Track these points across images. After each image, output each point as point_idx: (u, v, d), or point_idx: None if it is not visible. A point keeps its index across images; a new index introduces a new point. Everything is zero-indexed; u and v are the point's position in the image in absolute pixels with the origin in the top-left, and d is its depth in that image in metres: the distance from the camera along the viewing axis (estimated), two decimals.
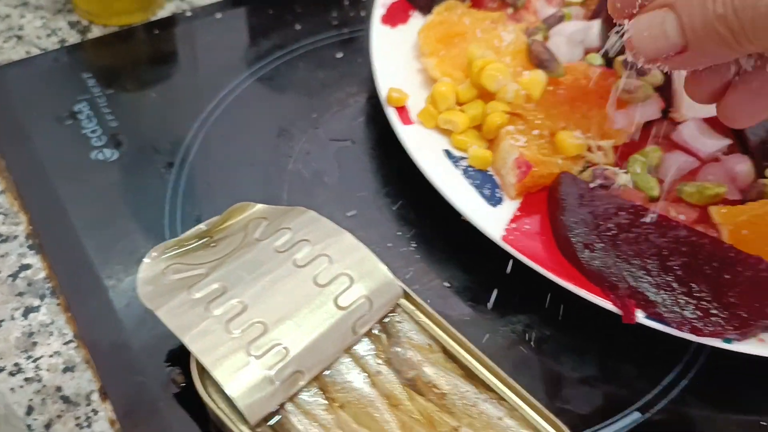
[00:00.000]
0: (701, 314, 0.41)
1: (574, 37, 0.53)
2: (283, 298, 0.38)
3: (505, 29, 0.51)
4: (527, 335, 0.45)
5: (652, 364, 0.44)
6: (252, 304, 0.38)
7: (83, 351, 0.42)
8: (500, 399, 0.38)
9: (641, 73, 0.48)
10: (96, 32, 0.59)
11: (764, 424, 0.43)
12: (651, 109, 0.49)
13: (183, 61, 0.59)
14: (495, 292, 0.46)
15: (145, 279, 0.40)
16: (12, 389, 0.40)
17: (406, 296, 0.40)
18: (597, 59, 0.52)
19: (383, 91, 0.49)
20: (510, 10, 0.56)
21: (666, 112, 0.50)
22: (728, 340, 0.41)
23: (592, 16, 0.55)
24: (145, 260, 0.40)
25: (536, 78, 0.47)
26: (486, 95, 0.48)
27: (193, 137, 0.52)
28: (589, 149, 0.48)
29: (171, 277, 0.40)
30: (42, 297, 0.43)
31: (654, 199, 0.47)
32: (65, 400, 0.40)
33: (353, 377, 0.38)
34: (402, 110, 0.49)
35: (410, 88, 0.50)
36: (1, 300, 0.43)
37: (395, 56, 0.52)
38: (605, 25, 0.51)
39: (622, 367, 0.44)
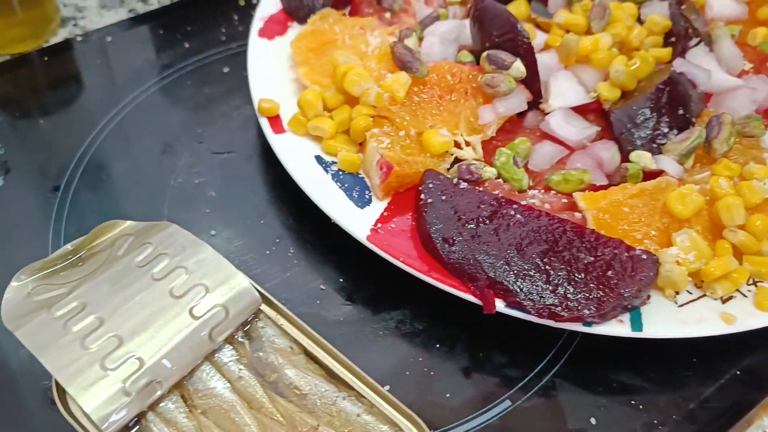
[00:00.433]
0: (560, 300, 0.42)
1: (447, 35, 0.53)
2: (140, 311, 0.39)
3: (372, 34, 0.52)
4: (400, 331, 0.45)
5: (525, 353, 0.45)
6: (109, 318, 0.38)
7: None
8: (359, 396, 0.39)
9: (504, 67, 0.49)
10: None
11: (634, 402, 0.44)
12: (516, 102, 0.49)
13: (73, 86, 0.60)
14: (368, 291, 0.47)
15: (8, 300, 0.40)
16: None
17: (268, 302, 0.41)
18: (467, 56, 0.53)
19: (255, 102, 0.50)
20: (388, 15, 0.57)
21: (537, 104, 0.51)
22: (588, 324, 0.42)
23: (467, 15, 0.56)
24: (13, 283, 0.41)
25: (398, 80, 0.48)
26: (352, 100, 0.49)
27: (79, 160, 0.53)
28: (458, 146, 0.49)
29: (35, 298, 0.41)
30: None
31: (523, 191, 0.48)
32: None
33: (215, 383, 0.39)
34: (275, 119, 0.50)
35: (284, 98, 0.51)
36: None
37: (271, 67, 0.54)
38: (473, 22, 0.52)
39: (495, 357, 0.45)
